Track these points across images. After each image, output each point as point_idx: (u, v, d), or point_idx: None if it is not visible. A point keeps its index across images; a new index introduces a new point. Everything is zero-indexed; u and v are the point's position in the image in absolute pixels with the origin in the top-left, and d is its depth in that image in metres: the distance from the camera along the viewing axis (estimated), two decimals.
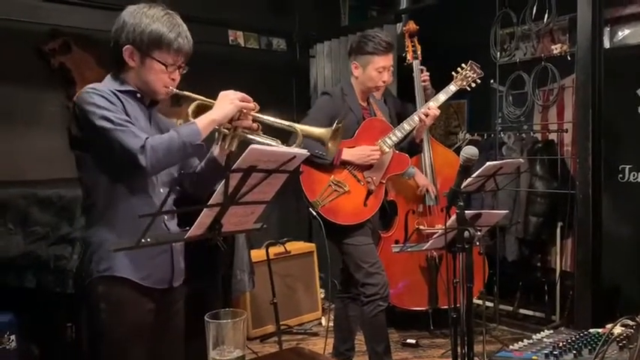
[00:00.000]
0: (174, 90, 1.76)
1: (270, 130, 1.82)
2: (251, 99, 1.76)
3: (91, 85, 1.68)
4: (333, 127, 1.88)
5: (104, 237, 1.67)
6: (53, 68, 3.65)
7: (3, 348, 2.53)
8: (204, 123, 1.69)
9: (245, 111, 1.74)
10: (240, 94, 1.73)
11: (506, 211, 2.45)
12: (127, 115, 1.67)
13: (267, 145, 1.75)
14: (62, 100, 3.69)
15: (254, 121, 1.77)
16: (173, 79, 1.75)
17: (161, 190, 1.76)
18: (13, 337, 2.57)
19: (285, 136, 1.88)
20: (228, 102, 1.71)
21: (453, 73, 3.05)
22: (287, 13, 4.86)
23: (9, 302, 2.65)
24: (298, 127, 1.82)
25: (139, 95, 1.76)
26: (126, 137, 1.59)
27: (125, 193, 1.68)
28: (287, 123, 1.81)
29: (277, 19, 4.82)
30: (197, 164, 1.89)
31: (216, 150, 1.81)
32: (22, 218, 2.58)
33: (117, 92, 1.69)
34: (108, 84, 1.73)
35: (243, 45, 4.62)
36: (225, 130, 1.75)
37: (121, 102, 1.68)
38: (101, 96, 1.64)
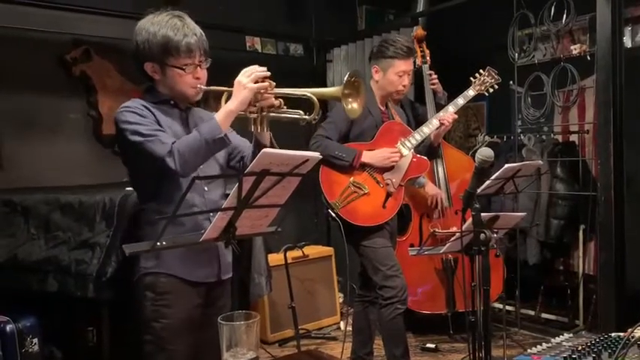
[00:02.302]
0: (204, 87, 1.82)
1: (291, 102, 1.85)
2: (268, 73, 1.77)
3: (124, 104, 1.79)
4: (344, 81, 1.82)
5: (150, 239, 1.70)
6: (74, 76, 3.73)
7: (26, 351, 2.57)
8: (221, 116, 1.74)
9: (262, 91, 1.77)
10: (253, 76, 1.74)
11: (524, 214, 2.42)
12: (159, 124, 1.76)
13: (292, 118, 1.81)
14: (83, 107, 3.77)
15: (275, 97, 1.80)
16: (198, 78, 1.81)
17: (205, 189, 1.84)
18: (35, 340, 2.62)
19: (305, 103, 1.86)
20: (242, 89, 1.74)
21: (471, 78, 3.08)
22: (303, 19, 4.88)
23: (32, 306, 2.70)
24: (310, 92, 1.84)
25: (172, 102, 1.85)
26: (154, 146, 1.68)
27: (170, 197, 1.76)
28: (300, 92, 1.84)
29: (294, 24, 4.85)
30: (246, 153, 1.94)
31: (258, 135, 1.85)
32: (45, 223, 2.63)
33: (150, 105, 1.79)
34: (141, 99, 1.82)
35: (260, 51, 4.65)
36: (253, 115, 1.80)
37: (153, 113, 1.77)
38: (132, 112, 1.74)
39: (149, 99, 1.82)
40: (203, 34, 1.81)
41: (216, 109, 2.06)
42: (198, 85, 1.81)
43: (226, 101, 1.80)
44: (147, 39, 1.75)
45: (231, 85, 1.79)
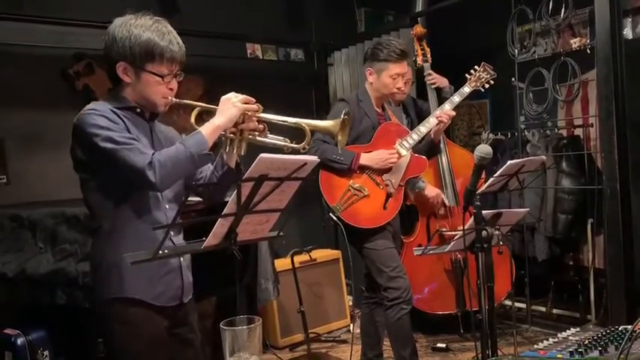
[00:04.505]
0: (174, 100, 1.73)
1: (279, 129, 1.81)
2: (254, 100, 1.74)
3: (90, 106, 1.66)
4: (340, 119, 1.85)
5: (112, 259, 1.65)
6: (78, 90, 3.76)
7: None
8: (208, 131, 1.67)
9: (249, 113, 1.73)
10: (241, 97, 1.72)
11: (527, 209, 2.41)
12: (129, 132, 1.65)
13: (275, 144, 1.76)
14: None
15: (259, 122, 1.76)
16: (171, 89, 1.72)
17: (167, 207, 1.74)
18: (46, 352, 2.65)
19: (294, 133, 1.82)
20: (231, 106, 1.69)
21: (467, 74, 3.09)
22: (303, 24, 4.90)
23: (42, 319, 2.73)
24: (304, 122, 1.79)
25: (138, 110, 1.74)
26: (132, 155, 1.57)
27: (131, 214, 1.67)
28: (292, 120, 1.78)
29: (294, 29, 4.86)
30: (205, 172, 1.88)
31: (225, 155, 1.80)
32: (52, 237, 2.65)
33: (116, 110, 1.67)
34: (107, 102, 1.70)
35: (261, 57, 4.67)
36: (232, 135, 1.74)
37: (122, 120, 1.66)
38: (102, 116, 1.61)
39: (114, 103, 1.69)
40: (182, 44, 1.72)
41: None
42: (170, 97, 1.72)
43: (196, 119, 1.74)
44: (128, 37, 1.64)
45: (210, 102, 1.75)
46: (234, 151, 1.76)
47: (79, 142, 1.65)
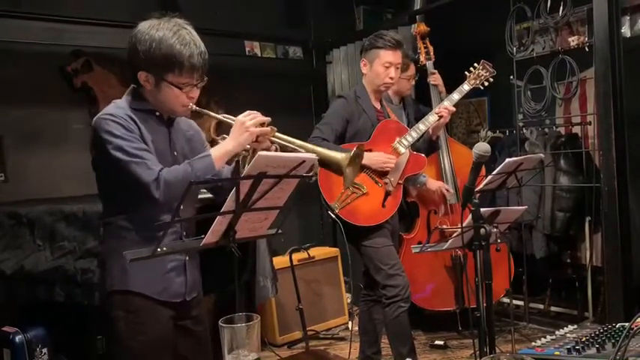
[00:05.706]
0: (194, 107, 1.75)
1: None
2: (269, 119, 1.74)
3: (109, 110, 1.69)
4: (351, 154, 1.84)
5: (118, 254, 1.64)
6: (76, 87, 3.77)
7: None
8: (218, 155, 1.69)
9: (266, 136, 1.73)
10: (257, 119, 1.71)
11: (525, 207, 2.42)
12: (144, 140, 1.68)
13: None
14: (86, 118, 3.79)
15: (271, 142, 1.76)
16: (192, 97, 1.74)
17: (181, 207, 1.73)
18: (45, 350, 2.65)
19: None
20: (244, 130, 1.70)
21: (466, 72, 3.09)
22: (302, 22, 4.90)
23: (40, 316, 2.73)
24: (317, 150, 1.78)
25: (157, 114, 1.77)
26: (140, 170, 1.61)
27: (142, 214, 1.70)
28: (306, 147, 1.78)
29: (292, 27, 4.86)
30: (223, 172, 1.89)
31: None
32: (50, 234, 2.66)
33: (134, 115, 1.69)
34: (127, 102, 1.74)
35: (259, 55, 4.67)
36: (244, 152, 1.75)
37: (138, 126, 1.68)
38: (118, 123, 1.64)
39: (134, 104, 1.73)
40: (206, 50, 1.72)
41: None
42: (190, 105, 1.74)
43: (215, 127, 1.77)
44: (150, 47, 1.64)
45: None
46: (243, 166, 1.76)
47: (94, 143, 1.70)
